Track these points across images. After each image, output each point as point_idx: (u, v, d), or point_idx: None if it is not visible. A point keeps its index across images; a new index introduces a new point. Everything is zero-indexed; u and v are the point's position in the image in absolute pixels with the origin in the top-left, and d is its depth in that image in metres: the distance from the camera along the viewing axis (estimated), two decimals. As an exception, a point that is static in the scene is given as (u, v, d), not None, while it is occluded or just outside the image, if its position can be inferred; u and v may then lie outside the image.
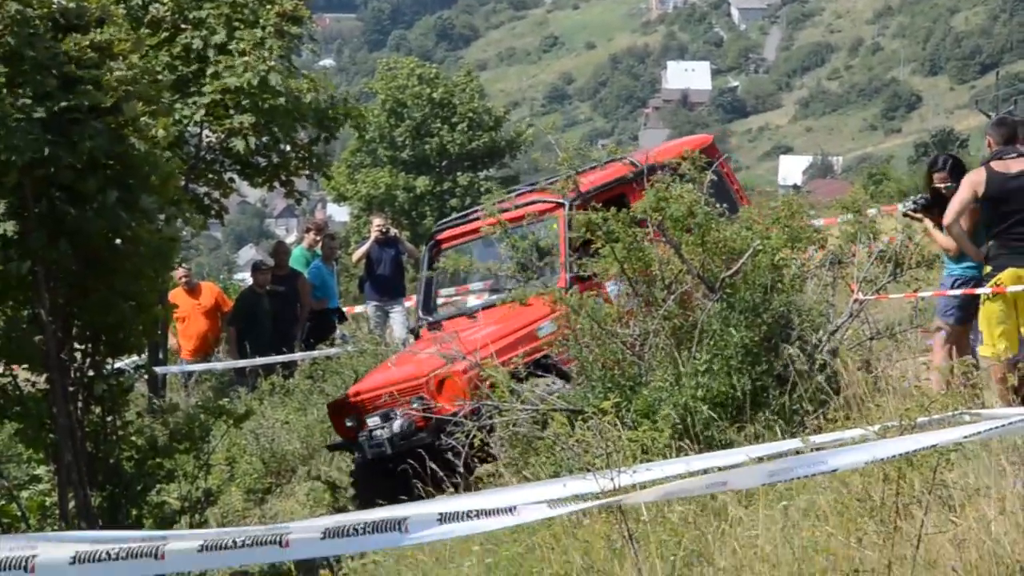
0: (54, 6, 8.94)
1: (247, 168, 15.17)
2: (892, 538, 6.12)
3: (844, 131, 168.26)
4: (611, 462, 6.41)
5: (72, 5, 9.01)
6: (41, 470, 9.64)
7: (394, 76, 44.30)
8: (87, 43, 8.87)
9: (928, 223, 10.06)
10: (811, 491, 7.06)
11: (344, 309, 18.45)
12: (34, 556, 5.17)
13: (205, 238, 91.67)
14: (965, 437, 6.12)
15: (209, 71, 14.01)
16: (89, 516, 8.89)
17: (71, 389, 9.11)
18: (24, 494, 9.60)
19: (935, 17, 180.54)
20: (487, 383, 10.22)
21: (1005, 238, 9.34)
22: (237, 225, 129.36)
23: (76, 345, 9.25)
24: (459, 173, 43.32)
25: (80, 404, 9.18)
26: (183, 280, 16.87)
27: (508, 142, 44.24)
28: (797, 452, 6.60)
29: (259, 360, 15.97)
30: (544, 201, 12.07)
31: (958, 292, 9.85)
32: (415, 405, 11.33)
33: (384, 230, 17.11)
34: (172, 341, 16.73)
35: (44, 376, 9.20)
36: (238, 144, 14.12)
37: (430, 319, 12.99)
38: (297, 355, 16.08)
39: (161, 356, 15.35)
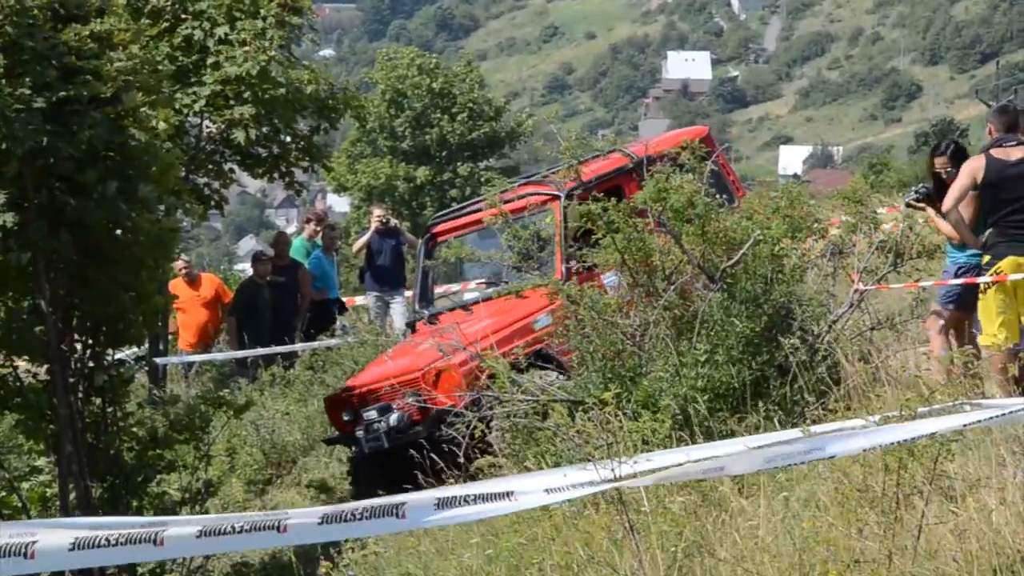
0: (54, -4, 8.92)
1: (247, 159, 15.15)
2: (893, 528, 6.13)
3: (844, 121, 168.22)
4: (612, 453, 6.41)
5: (72, -5, 8.99)
6: (41, 461, 9.63)
7: (394, 66, 44.25)
8: (87, 33, 8.84)
9: (931, 211, 10.05)
10: (812, 481, 7.06)
11: (344, 300, 18.45)
12: (34, 542, 5.18)
13: (205, 229, 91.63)
14: (965, 425, 6.12)
15: (209, 61, 13.99)
16: (90, 507, 8.88)
17: (71, 380, 9.08)
18: (25, 485, 9.59)
19: (935, 6, 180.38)
20: (486, 374, 10.22)
21: (1003, 226, 9.31)
22: (237, 216, 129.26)
23: (76, 336, 9.23)
24: (459, 163, 43.28)
25: (80, 395, 9.16)
26: (183, 271, 16.85)
27: (508, 132, 44.17)
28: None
29: (259, 351, 15.97)
30: (539, 193, 12.06)
31: (959, 282, 9.84)
32: (411, 399, 11.32)
33: (384, 220, 17.11)
34: (172, 325, 16.70)
35: (44, 367, 9.17)
36: (238, 134, 14.11)
37: (426, 312, 12.99)
38: (297, 346, 16.07)
39: (162, 347, 15.35)
